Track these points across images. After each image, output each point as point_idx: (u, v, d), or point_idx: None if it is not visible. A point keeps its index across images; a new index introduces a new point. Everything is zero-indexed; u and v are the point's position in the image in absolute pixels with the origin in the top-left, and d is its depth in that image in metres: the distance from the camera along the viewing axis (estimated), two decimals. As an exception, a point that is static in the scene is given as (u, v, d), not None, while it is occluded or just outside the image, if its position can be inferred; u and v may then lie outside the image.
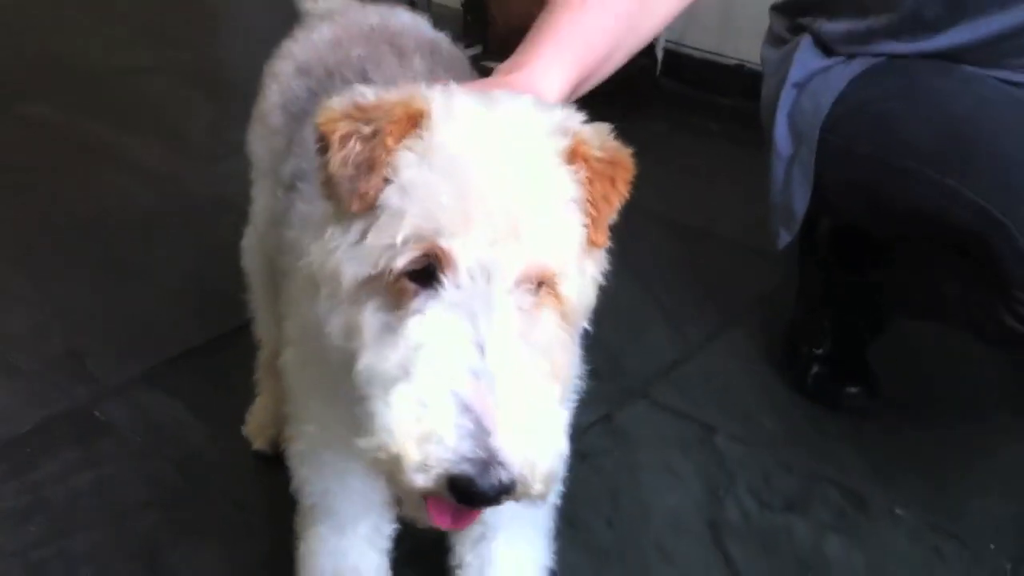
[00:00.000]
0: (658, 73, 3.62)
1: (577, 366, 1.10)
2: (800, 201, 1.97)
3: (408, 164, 1.05)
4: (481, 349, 1.00)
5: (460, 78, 1.47)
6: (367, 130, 1.06)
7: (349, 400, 1.25)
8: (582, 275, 1.12)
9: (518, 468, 0.98)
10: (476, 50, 3.39)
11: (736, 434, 2.07)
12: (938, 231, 1.82)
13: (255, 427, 1.99)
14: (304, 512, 1.52)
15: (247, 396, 2.03)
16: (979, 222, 1.69)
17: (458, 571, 1.56)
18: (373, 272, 1.05)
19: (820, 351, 2.20)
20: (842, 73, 1.92)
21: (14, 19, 4.15)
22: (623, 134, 1.17)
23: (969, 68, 1.87)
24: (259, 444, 1.98)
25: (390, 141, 1.05)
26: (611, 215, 1.14)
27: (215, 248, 2.59)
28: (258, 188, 1.77)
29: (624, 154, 1.15)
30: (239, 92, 3.40)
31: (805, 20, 1.98)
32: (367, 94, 1.10)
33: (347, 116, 1.07)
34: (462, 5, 3.60)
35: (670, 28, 3.38)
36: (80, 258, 2.60)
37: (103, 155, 3.11)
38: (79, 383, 2.15)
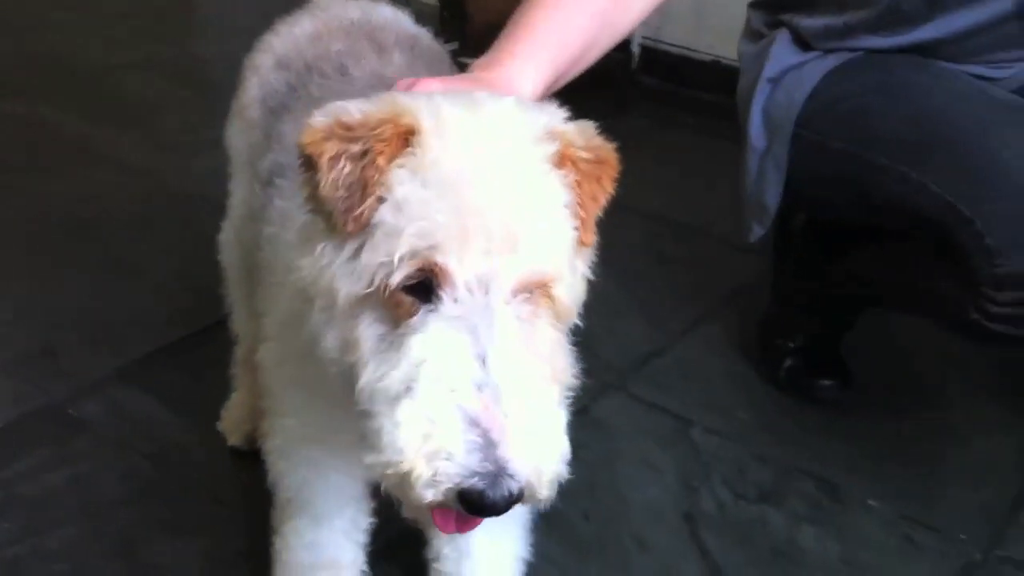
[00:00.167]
0: (635, 69, 3.64)
1: (573, 364, 1.11)
2: (773, 195, 1.99)
3: (401, 181, 1.04)
4: (483, 361, 1.00)
5: (440, 73, 1.47)
6: (356, 149, 1.05)
7: (330, 396, 1.26)
8: (573, 274, 1.12)
9: (526, 477, 0.99)
10: (453, 46, 3.39)
11: (712, 426, 2.09)
12: (908, 226, 1.84)
13: (231, 423, 1.99)
14: (281, 506, 1.52)
15: (222, 392, 2.03)
16: (948, 218, 1.70)
17: (435, 564, 1.57)
18: (369, 289, 1.05)
19: (794, 344, 2.21)
20: (816, 68, 1.94)
21: (-8, 17, 4.13)
22: (601, 130, 1.18)
23: (943, 64, 1.88)
24: (234, 440, 1.98)
25: (382, 161, 1.04)
26: (598, 213, 1.14)
27: (193, 244, 2.57)
28: (236, 182, 1.76)
29: (609, 152, 1.15)
30: (218, 88, 3.40)
31: (784, 16, 1.98)
32: (350, 110, 1.08)
33: (333, 135, 1.06)
34: (439, 1, 3.60)
35: (646, 24, 3.39)
36: (55, 254, 2.59)
37: (80, 151, 3.10)
38: (53, 380, 2.14)
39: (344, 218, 1.05)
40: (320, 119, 1.08)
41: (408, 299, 1.04)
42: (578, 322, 1.13)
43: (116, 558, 1.75)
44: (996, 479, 2.00)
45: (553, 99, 1.22)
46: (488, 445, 0.97)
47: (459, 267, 1.02)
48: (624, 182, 1.18)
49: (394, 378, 1.02)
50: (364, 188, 1.04)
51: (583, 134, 1.14)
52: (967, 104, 1.79)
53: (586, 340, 1.18)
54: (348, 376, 1.08)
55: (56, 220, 2.73)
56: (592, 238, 1.14)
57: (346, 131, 1.06)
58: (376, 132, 1.05)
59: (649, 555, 1.79)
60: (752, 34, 2.11)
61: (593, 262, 1.19)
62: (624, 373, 2.21)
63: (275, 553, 1.56)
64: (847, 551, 1.82)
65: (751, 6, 2.14)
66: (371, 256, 1.04)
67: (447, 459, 0.98)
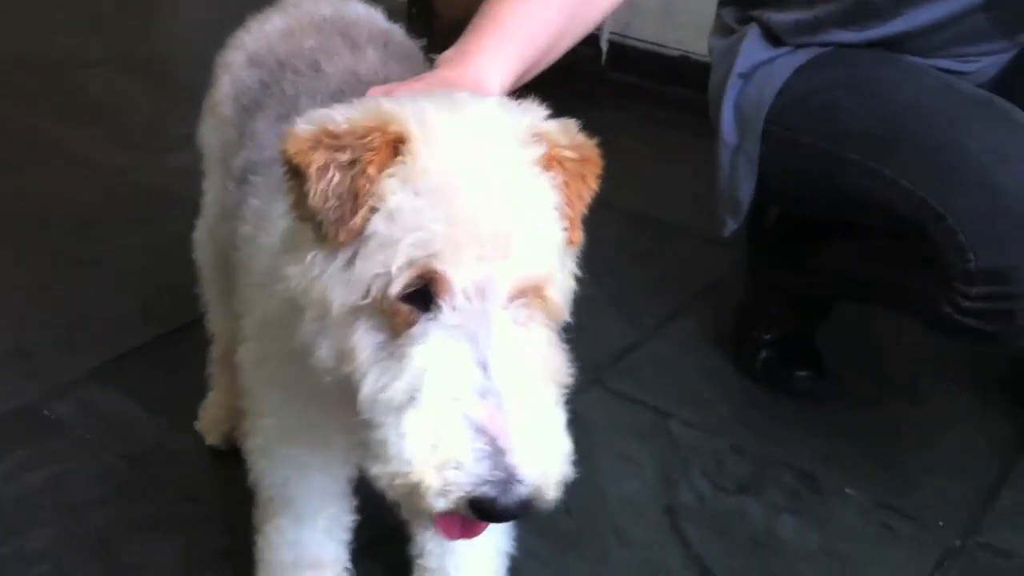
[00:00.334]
0: (603, 64, 3.64)
1: (567, 363, 1.11)
2: (746, 190, 2.00)
3: (393, 191, 1.03)
4: (485, 368, 1.00)
5: (413, 70, 1.47)
6: (344, 159, 1.04)
7: (311, 396, 1.26)
8: (563, 273, 1.13)
9: (535, 481, 0.99)
10: (421, 42, 3.38)
11: (689, 419, 2.10)
12: (880, 222, 1.86)
13: (208, 422, 1.98)
14: (262, 505, 1.51)
15: (197, 391, 2.02)
16: (920, 214, 1.72)
17: (419, 560, 1.57)
18: (366, 300, 1.04)
19: (768, 336, 2.23)
20: (786, 64, 1.94)
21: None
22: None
23: (911, 58, 1.90)
24: (212, 439, 1.97)
25: (372, 171, 1.03)
26: (584, 211, 1.15)
27: (162, 242, 2.56)
28: (209, 180, 1.75)
29: (592, 149, 1.16)
30: (182, 84, 3.40)
31: (754, 12, 1.99)
32: (335, 117, 1.07)
33: (319, 144, 1.05)
34: (406, -2, 3.59)
35: (615, 19, 3.41)
36: (24, 254, 2.56)
37: (46, 149, 3.06)
38: (27, 381, 2.11)
39: (336, 228, 1.04)
40: (304, 127, 1.07)
41: (405, 307, 1.03)
42: (568, 320, 1.13)
43: (95, 558, 1.73)
44: (971, 468, 2.02)
45: (522, 94, 1.22)
46: (496, 452, 0.98)
47: (457, 275, 1.02)
48: (594, 178, 1.19)
49: (397, 388, 1.01)
50: (356, 198, 1.03)
51: (566, 133, 1.14)
52: (936, 99, 1.80)
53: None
54: (344, 385, 1.07)
55: (24, 220, 2.70)
56: (580, 236, 1.15)
57: (333, 140, 1.05)
58: (365, 141, 1.04)
59: (631, 548, 1.80)
60: (723, 29, 2.12)
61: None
62: (600, 368, 2.21)
63: (257, 552, 1.55)
64: (827, 540, 1.84)
65: (721, 2, 2.14)
66: (366, 266, 1.04)
67: (456, 468, 0.98)
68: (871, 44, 1.91)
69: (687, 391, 2.19)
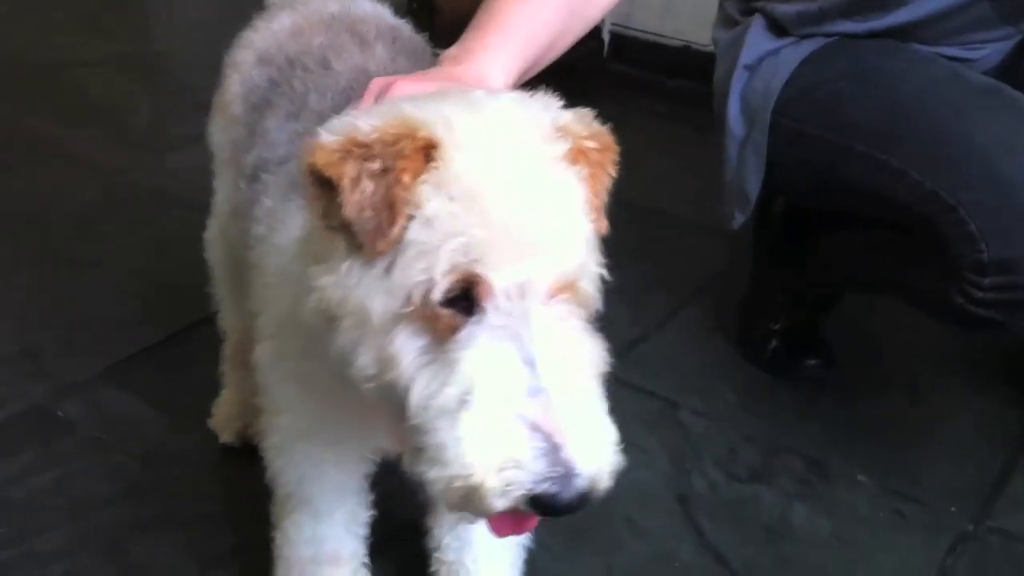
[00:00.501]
0: (605, 56, 3.64)
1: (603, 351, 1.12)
2: (753, 183, 1.99)
3: (428, 197, 1.03)
4: (532, 366, 1.01)
5: (422, 65, 1.47)
6: (376, 167, 1.03)
7: (329, 392, 1.27)
8: (592, 263, 1.13)
9: (591, 473, 1.01)
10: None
11: (698, 409, 2.10)
12: (890, 213, 1.85)
13: (221, 420, 1.98)
14: (280, 502, 1.51)
15: (205, 390, 2.02)
16: (929, 206, 1.72)
17: (436, 554, 1.57)
18: (407, 307, 1.04)
19: (776, 326, 2.23)
20: (792, 55, 1.94)
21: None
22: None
23: (917, 47, 1.89)
24: (226, 437, 1.97)
25: (407, 178, 1.03)
26: (606, 198, 1.15)
27: (165, 242, 2.57)
28: (220, 179, 1.75)
29: (608, 137, 1.16)
30: (180, 83, 3.40)
31: (758, 3, 1.99)
32: (360, 126, 1.07)
33: (349, 155, 1.04)
34: (408, -7, 3.58)
35: (616, 11, 3.40)
36: (28, 255, 2.55)
37: (45, 149, 3.06)
38: (35, 382, 2.11)
39: (373, 238, 1.04)
40: (330, 137, 1.06)
41: (446, 312, 1.03)
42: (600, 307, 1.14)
43: (108, 559, 1.73)
44: (979, 455, 2.03)
45: (527, 88, 1.22)
46: (553, 449, 0.99)
47: (498, 277, 1.02)
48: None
49: (449, 393, 1.01)
50: (392, 207, 1.03)
51: (584, 123, 1.14)
52: (943, 90, 1.80)
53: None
54: (387, 392, 1.07)
55: (29, 221, 2.69)
56: (605, 225, 1.15)
57: (363, 149, 1.04)
58: (396, 148, 1.03)
59: (644, 537, 1.81)
60: (726, 21, 2.11)
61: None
62: (608, 359, 2.20)
63: (276, 548, 1.56)
64: (838, 527, 1.85)
65: (726, -8, 2.14)
66: (406, 274, 1.03)
67: (517, 468, 0.98)
68: (875, 34, 1.91)
69: (695, 381, 2.19)
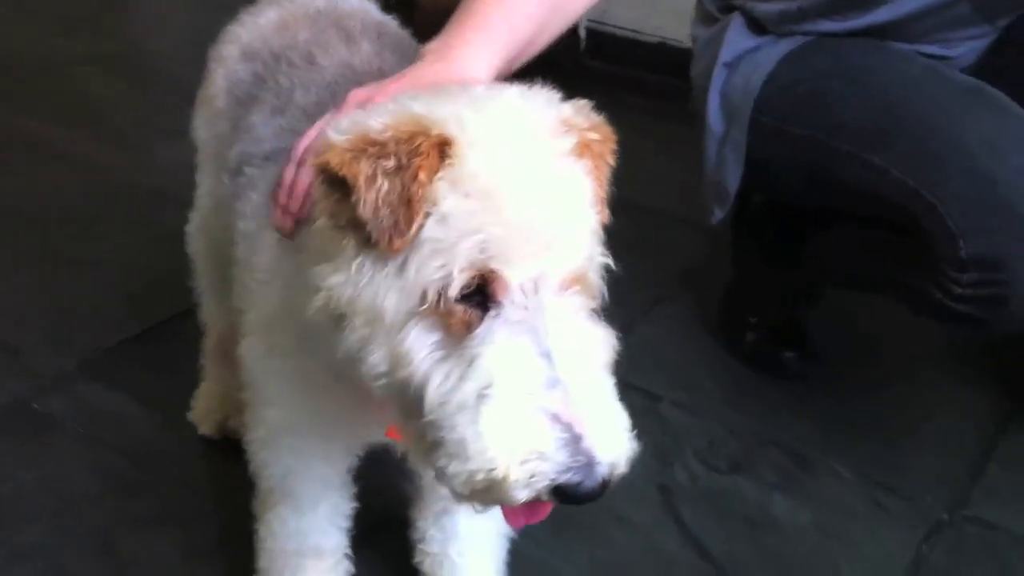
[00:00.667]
0: (582, 51, 3.65)
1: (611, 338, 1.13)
2: (733, 179, 2.00)
3: (444, 195, 1.04)
4: (549, 359, 1.02)
5: (407, 61, 1.47)
6: (390, 165, 1.03)
7: (316, 387, 1.29)
8: (598, 255, 1.15)
9: (610, 460, 1.03)
10: (403, 34, 3.37)
11: (680, 401, 2.12)
12: (871, 210, 1.87)
13: (201, 412, 1.98)
14: (263, 495, 1.52)
15: (186, 383, 2.02)
16: (910, 203, 1.73)
17: (421, 545, 1.59)
18: (423, 305, 1.04)
19: (756, 319, 2.25)
20: (771, 53, 1.95)
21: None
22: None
23: (896, 45, 1.90)
24: (205, 429, 1.97)
25: (424, 176, 1.03)
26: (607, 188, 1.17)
27: (148, 237, 2.56)
28: (203, 173, 1.75)
29: (607, 127, 1.17)
30: (164, 80, 3.38)
31: (737, 1, 1.99)
32: (372, 125, 1.07)
33: (363, 153, 1.04)
34: (386, -12, 3.58)
35: (593, 7, 3.41)
36: (10, 250, 2.55)
37: (29, 147, 3.04)
38: (16, 377, 2.11)
39: (390, 236, 1.04)
40: (339, 137, 1.07)
41: (460, 307, 1.04)
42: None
43: (93, 554, 1.74)
44: (956, 446, 2.05)
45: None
46: (574, 439, 1.00)
47: (513, 273, 1.03)
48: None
49: (468, 388, 1.02)
50: (410, 204, 1.03)
51: (584, 115, 1.15)
52: (924, 89, 1.81)
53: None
54: (398, 390, 1.08)
55: (12, 216, 2.68)
56: (607, 214, 1.17)
57: (378, 148, 1.04)
58: (413, 146, 1.04)
59: (628, 529, 1.82)
60: (705, 18, 2.11)
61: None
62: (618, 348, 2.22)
63: (259, 541, 1.56)
64: (818, 517, 1.87)
65: (705, -11, 2.15)
66: (421, 272, 1.04)
67: (540, 459, 1.00)
68: (854, 33, 1.92)
69: (676, 374, 2.21)
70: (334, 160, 1.05)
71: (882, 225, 1.88)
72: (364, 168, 1.04)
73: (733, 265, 2.34)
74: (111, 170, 2.93)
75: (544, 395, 1.01)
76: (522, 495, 1.01)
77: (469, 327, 1.04)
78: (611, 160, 1.17)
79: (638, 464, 1.91)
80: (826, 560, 1.80)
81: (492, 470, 1.00)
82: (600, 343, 1.09)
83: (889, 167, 1.76)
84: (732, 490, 1.92)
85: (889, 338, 2.36)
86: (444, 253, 1.03)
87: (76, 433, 1.98)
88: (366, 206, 1.04)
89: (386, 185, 1.03)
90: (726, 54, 1.98)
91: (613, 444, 1.04)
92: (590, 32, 3.64)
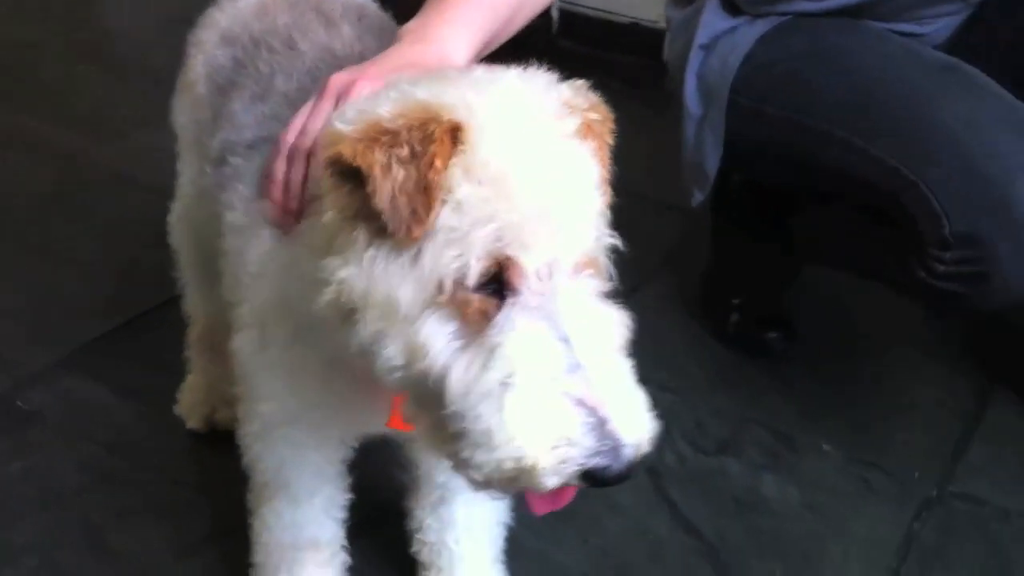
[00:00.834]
0: (554, 32, 3.64)
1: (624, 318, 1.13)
2: (712, 161, 1.99)
3: (458, 182, 1.03)
4: (567, 343, 1.02)
5: (388, 44, 1.46)
6: (404, 153, 1.02)
7: (312, 378, 1.28)
8: (605, 237, 1.15)
9: (636, 442, 1.03)
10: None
11: (665, 383, 2.12)
12: (851, 190, 1.87)
13: (187, 406, 1.97)
14: (257, 489, 1.51)
15: (170, 375, 2.00)
16: (891, 182, 1.74)
17: (418, 535, 1.59)
18: (440, 294, 1.03)
19: (737, 300, 2.25)
20: (748, 33, 1.94)
21: None
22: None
23: (872, 24, 1.91)
24: (192, 422, 1.96)
25: (439, 163, 1.01)
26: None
27: (123, 226, 2.53)
28: (184, 162, 1.72)
29: (605, 107, 1.18)
30: (130, 65, 3.33)
31: None
32: (382, 113, 1.05)
33: (376, 142, 1.03)
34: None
35: (566, -13, 3.40)
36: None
37: (3, 136, 2.97)
38: (-4, 372, 2.09)
39: (408, 225, 1.02)
40: (347, 127, 1.05)
41: (476, 296, 1.03)
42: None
43: (83, 548, 1.73)
44: (940, 423, 2.07)
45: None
46: (600, 423, 1.00)
47: (530, 259, 1.02)
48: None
49: (491, 377, 1.01)
50: (427, 192, 1.02)
51: (583, 96, 1.15)
52: (902, 67, 1.82)
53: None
54: (415, 382, 1.06)
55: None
56: (609, 193, 1.17)
57: (390, 136, 1.03)
58: (426, 133, 1.02)
59: (619, 512, 1.83)
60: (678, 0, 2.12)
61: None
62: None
63: (254, 535, 1.55)
64: (807, 496, 1.89)
65: (679, -29, 2.14)
66: (437, 260, 1.03)
67: (568, 445, 1.00)
68: (830, 12, 1.92)
69: (660, 356, 2.20)
70: (347, 151, 1.03)
71: (864, 205, 1.89)
72: (379, 157, 1.02)
73: (713, 247, 2.34)
74: (79, 157, 2.88)
75: (566, 380, 1.01)
76: (552, 482, 1.01)
77: (486, 315, 1.03)
78: (610, 139, 1.17)
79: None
80: (816, 538, 1.81)
81: (521, 458, 1.00)
82: (615, 325, 1.10)
83: (868, 146, 1.77)
84: (720, 471, 1.93)
85: (871, 318, 2.37)
86: (459, 242, 1.02)
87: (60, 427, 1.96)
88: (382, 196, 1.02)
89: (402, 174, 1.02)
90: (702, 36, 1.97)
91: (637, 426, 1.04)
92: (562, 12, 3.63)
